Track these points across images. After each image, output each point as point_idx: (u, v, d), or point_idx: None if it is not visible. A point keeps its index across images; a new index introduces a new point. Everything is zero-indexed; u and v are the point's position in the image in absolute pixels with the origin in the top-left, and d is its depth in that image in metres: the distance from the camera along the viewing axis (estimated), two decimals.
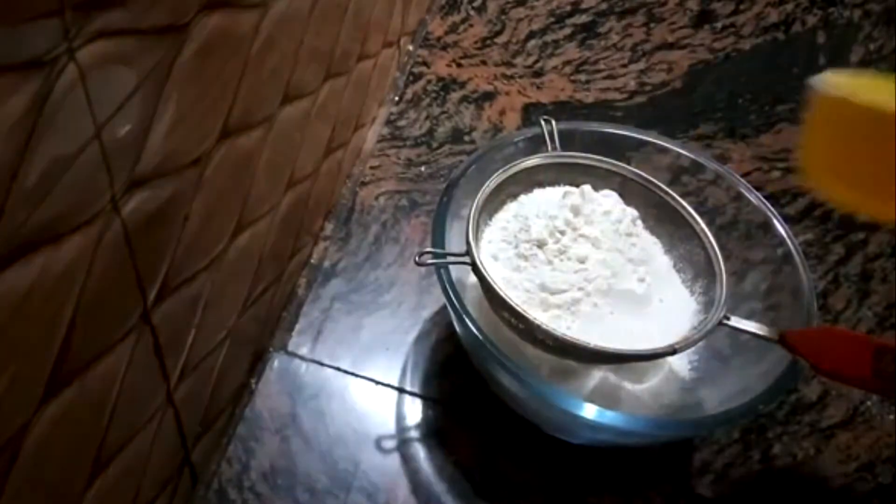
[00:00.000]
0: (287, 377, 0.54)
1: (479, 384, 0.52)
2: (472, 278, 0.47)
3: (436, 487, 0.49)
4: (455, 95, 0.73)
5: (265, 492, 0.49)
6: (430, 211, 0.63)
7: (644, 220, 0.52)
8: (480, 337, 0.43)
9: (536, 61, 0.76)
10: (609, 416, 0.41)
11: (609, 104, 0.73)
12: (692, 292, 0.51)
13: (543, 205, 0.50)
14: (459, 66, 0.76)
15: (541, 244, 0.48)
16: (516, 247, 0.49)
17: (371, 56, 0.64)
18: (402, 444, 0.51)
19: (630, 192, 0.52)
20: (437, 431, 0.52)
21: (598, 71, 0.75)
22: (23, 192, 0.25)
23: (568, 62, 0.76)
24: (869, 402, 0.54)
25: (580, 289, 0.47)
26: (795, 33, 0.78)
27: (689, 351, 0.48)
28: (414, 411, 0.53)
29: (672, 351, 0.43)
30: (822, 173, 0.39)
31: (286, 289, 0.58)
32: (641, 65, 0.76)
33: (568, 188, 0.52)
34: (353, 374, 0.55)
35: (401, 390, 0.54)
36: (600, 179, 0.53)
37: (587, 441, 0.50)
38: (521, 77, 0.75)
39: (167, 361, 0.40)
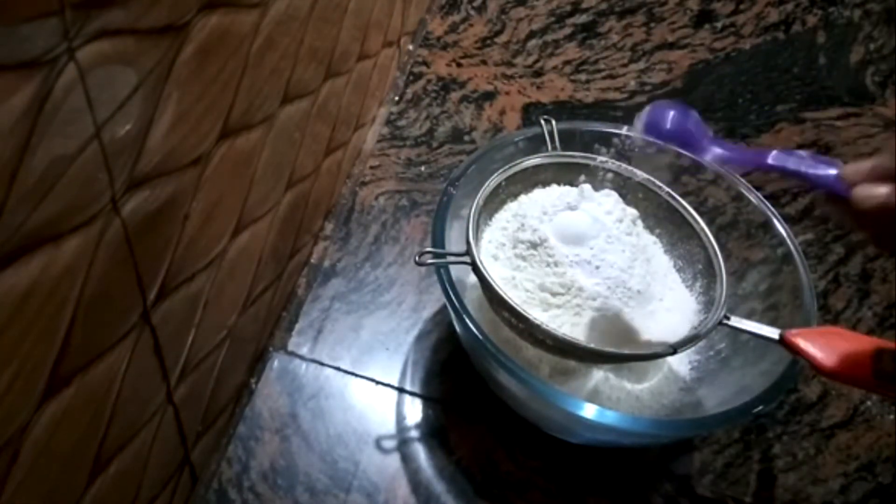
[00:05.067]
0: (287, 377, 0.54)
1: (479, 384, 0.52)
2: (472, 278, 0.47)
3: (436, 487, 0.49)
4: (455, 95, 0.73)
5: (265, 491, 0.49)
6: (430, 211, 0.63)
7: (644, 220, 0.52)
8: (480, 337, 0.43)
9: (536, 61, 0.76)
10: (609, 416, 0.41)
11: (609, 104, 0.73)
12: (692, 292, 0.51)
13: (543, 205, 0.50)
14: (459, 65, 0.76)
15: (541, 243, 0.48)
16: (516, 246, 0.49)
17: (371, 56, 0.64)
18: (402, 444, 0.51)
19: (630, 192, 0.52)
20: (437, 431, 0.52)
21: (598, 71, 0.75)
22: (23, 192, 0.25)
23: (568, 62, 0.76)
24: (869, 402, 0.54)
25: (580, 289, 0.47)
26: (795, 33, 0.78)
27: (689, 351, 0.48)
28: (414, 411, 0.53)
29: (672, 351, 0.43)
30: None
31: (286, 288, 0.58)
32: (641, 65, 0.76)
33: (568, 188, 0.52)
34: (352, 373, 0.55)
35: (401, 390, 0.54)
36: (600, 179, 0.53)
37: (587, 441, 0.50)
38: (521, 77, 0.75)
39: (167, 361, 0.40)
